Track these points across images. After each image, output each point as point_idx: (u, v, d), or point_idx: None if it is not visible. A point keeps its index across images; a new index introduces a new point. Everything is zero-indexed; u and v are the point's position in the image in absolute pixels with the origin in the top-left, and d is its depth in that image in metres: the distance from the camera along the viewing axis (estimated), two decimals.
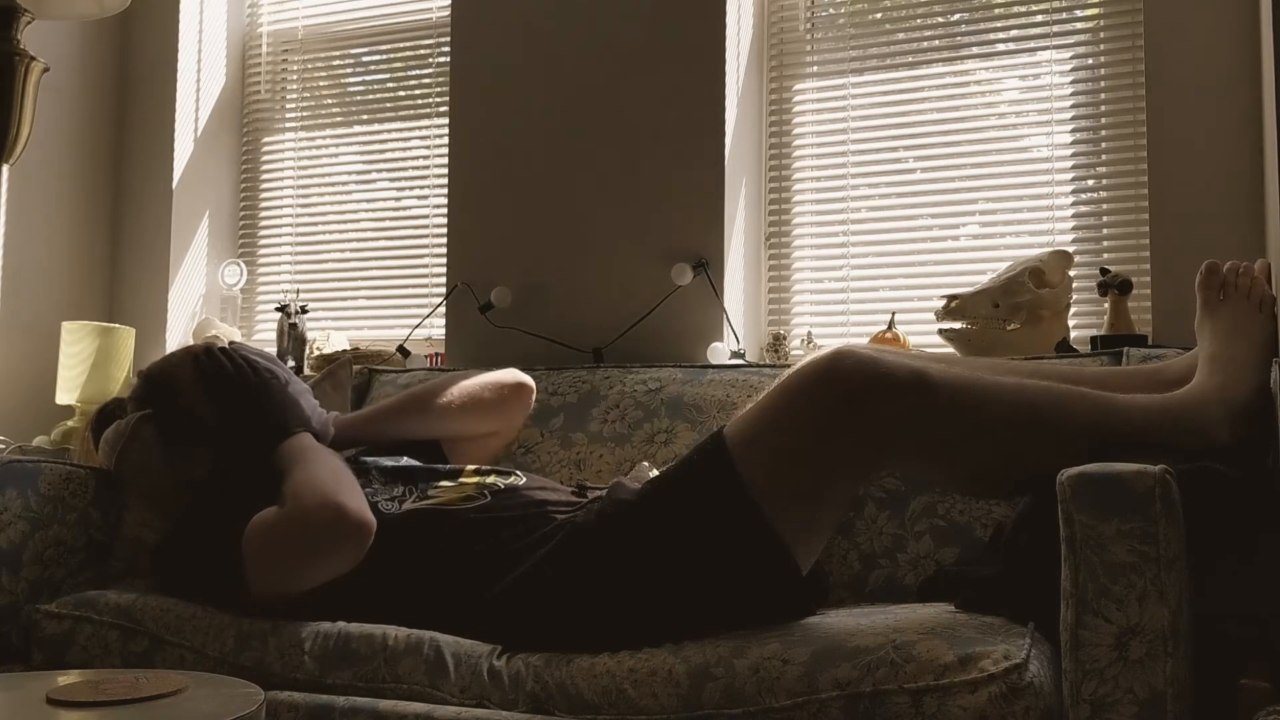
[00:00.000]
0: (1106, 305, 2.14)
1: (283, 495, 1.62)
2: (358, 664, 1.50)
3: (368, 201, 3.06)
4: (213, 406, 1.82)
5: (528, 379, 2.11)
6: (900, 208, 2.52)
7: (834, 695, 1.25)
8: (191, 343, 2.97)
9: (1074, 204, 2.37)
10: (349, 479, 1.67)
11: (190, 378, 1.85)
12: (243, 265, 3.07)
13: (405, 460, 1.88)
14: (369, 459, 1.87)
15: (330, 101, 3.13)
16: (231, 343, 1.94)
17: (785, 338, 2.48)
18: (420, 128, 2.99)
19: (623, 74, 2.58)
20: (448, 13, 2.84)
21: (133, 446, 1.87)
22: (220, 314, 3.12)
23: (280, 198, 3.18)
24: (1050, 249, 2.25)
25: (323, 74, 3.14)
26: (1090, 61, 2.37)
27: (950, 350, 2.18)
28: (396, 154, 3.03)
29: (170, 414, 1.86)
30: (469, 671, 1.45)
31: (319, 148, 3.13)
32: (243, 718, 1.10)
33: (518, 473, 1.84)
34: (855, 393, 1.38)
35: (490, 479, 1.78)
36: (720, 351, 2.40)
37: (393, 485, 1.77)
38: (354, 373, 2.35)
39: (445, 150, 2.79)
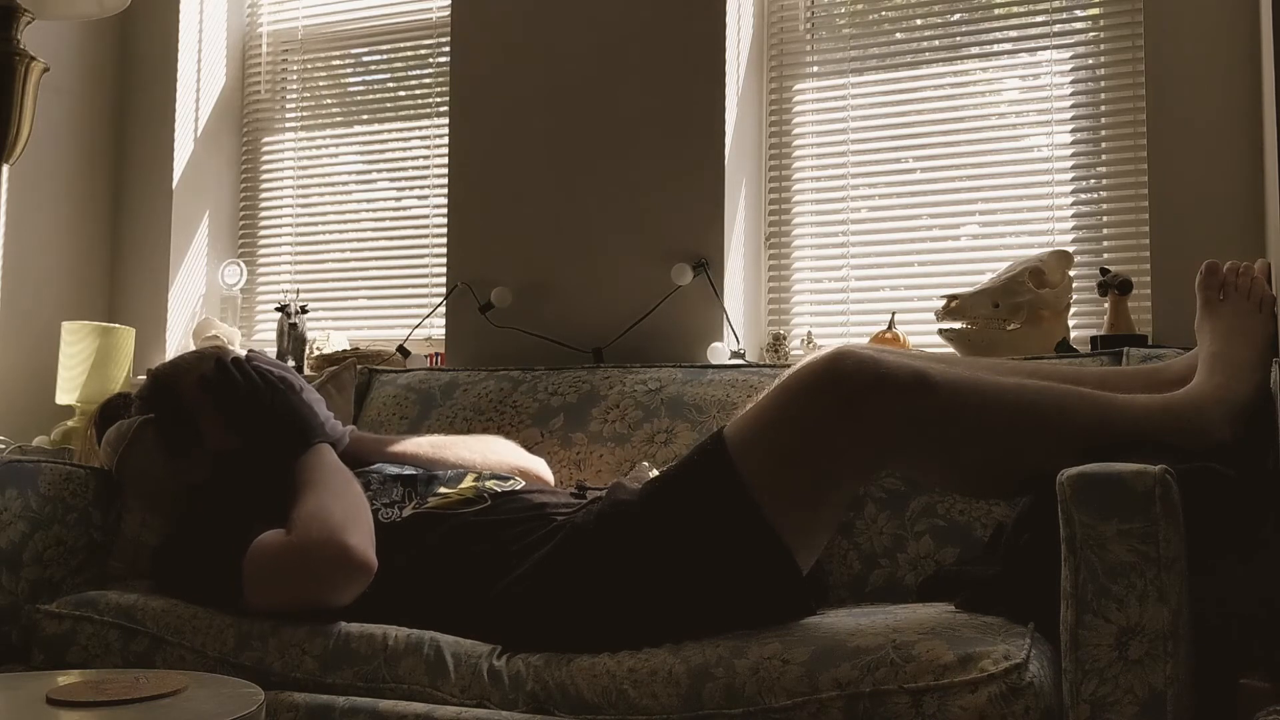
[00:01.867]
0: (1106, 305, 2.14)
1: (291, 519, 1.60)
2: (358, 664, 1.50)
3: (368, 201, 3.06)
4: (219, 417, 1.81)
5: (550, 474, 2.05)
6: (900, 208, 2.52)
7: (834, 695, 1.25)
8: (192, 343, 2.98)
9: (1074, 204, 2.37)
10: (359, 508, 1.65)
11: (194, 385, 1.84)
12: (243, 265, 3.06)
13: (407, 468, 1.87)
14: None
15: (330, 101, 3.13)
16: (250, 351, 1.92)
17: (785, 338, 2.48)
18: (420, 128, 2.99)
19: (622, 74, 2.58)
20: (448, 13, 2.84)
21: (134, 449, 1.86)
22: (220, 314, 3.11)
23: (280, 198, 3.18)
24: (1050, 249, 2.25)
25: (323, 74, 3.14)
26: (1090, 61, 2.37)
27: (950, 350, 2.18)
28: (396, 154, 3.03)
29: (172, 420, 1.85)
30: (469, 671, 1.45)
31: (319, 148, 3.13)
32: (243, 718, 1.10)
33: (515, 478, 1.84)
34: (856, 393, 1.37)
35: (489, 483, 1.78)
36: (720, 351, 2.40)
37: (391, 490, 1.76)
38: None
39: (445, 150, 2.79)
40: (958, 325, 2.16)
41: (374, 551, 1.58)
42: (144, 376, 1.98)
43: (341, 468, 1.74)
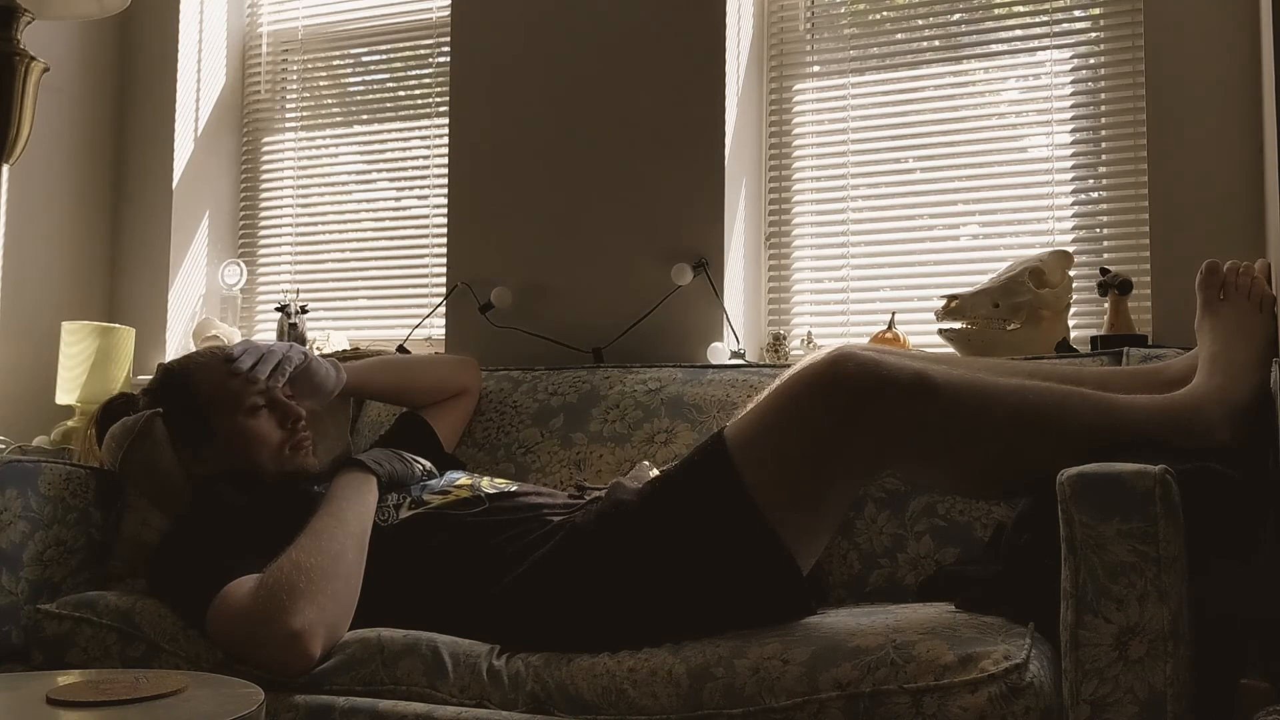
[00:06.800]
0: (1106, 305, 2.15)
1: (268, 567, 1.52)
2: (354, 667, 1.49)
3: (368, 201, 3.06)
4: (234, 413, 1.81)
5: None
6: (900, 208, 2.52)
7: (834, 695, 1.25)
8: (192, 343, 2.97)
9: (1074, 204, 2.37)
10: (344, 573, 1.55)
11: (214, 382, 1.84)
12: (243, 265, 3.06)
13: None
14: None
15: (330, 101, 3.13)
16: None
17: (785, 338, 2.48)
18: (420, 128, 2.99)
19: (623, 74, 2.58)
20: (448, 13, 2.84)
21: (140, 444, 1.83)
22: (220, 314, 3.11)
23: (280, 198, 3.18)
24: (1050, 249, 2.25)
25: (323, 74, 3.14)
26: (1090, 61, 2.37)
27: (950, 350, 2.18)
28: (396, 154, 3.03)
29: (182, 413, 1.84)
30: (467, 671, 1.45)
31: (319, 148, 3.13)
32: (243, 718, 1.09)
33: (508, 480, 1.84)
34: (858, 396, 1.37)
35: (483, 482, 1.78)
36: (720, 351, 2.40)
37: (385, 494, 1.75)
38: None
39: (445, 150, 2.79)
40: (958, 325, 2.16)
41: (325, 635, 1.50)
42: (144, 377, 1.98)
43: (353, 499, 1.67)
